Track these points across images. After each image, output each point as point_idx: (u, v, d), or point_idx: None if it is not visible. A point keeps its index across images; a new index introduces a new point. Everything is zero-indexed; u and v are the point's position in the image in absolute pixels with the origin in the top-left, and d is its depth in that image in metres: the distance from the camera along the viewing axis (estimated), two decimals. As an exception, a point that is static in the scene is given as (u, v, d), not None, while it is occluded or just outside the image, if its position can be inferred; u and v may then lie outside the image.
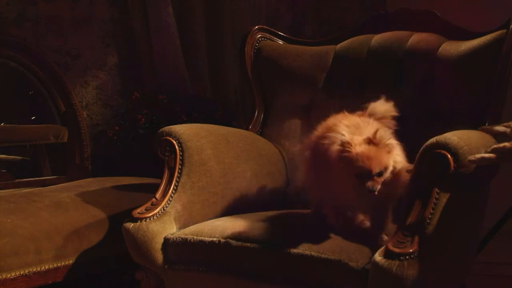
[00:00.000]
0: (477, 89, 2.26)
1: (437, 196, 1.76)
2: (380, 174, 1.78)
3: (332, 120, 1.96)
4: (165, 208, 2.12)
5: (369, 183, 1.77)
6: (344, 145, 1.79)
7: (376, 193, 1.78)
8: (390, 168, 1.80)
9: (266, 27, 2.81)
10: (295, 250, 1.89)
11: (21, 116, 3.24)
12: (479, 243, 2.43)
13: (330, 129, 1.89)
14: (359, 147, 1.78)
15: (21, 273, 2.14)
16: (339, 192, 1.89)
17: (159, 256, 2.08)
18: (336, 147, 1.81)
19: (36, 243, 2.19)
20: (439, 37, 2.45)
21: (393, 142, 1.82)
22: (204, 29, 3.61)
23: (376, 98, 1.98)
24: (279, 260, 1.91)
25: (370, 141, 1.78)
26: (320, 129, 1.98)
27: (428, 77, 2.39)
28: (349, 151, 1.78)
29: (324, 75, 2.64)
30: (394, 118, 1.95)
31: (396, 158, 1.82)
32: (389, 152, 1.80)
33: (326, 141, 1.87)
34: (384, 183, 1.79)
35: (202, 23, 3.60)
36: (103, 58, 3.52)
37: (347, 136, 1.80)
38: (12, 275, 2.12)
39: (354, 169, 1.78)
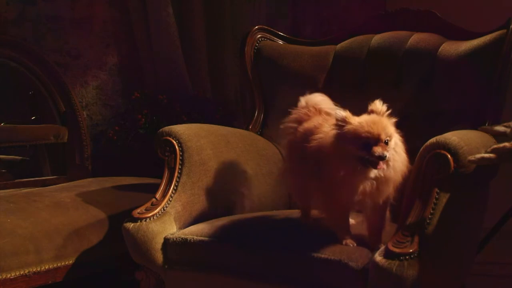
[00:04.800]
0: (477, 89, 2.25)
1: (437, 196, 1.76)
2: (386, 142, 1.72)
3: (310, 124, 1.97)
4: (165, 208, 2.12)
5: (378, 149, 1.70)
6: (345, 119, 1.74)
7: (385, 162, 1.71)
8: (394, 138, 1.75)
9: (266, 27, 2.81)
10: (295, 250, 1.89)
11: (21, 116, 3.23)
12: (479, 243, 2.43)
13: (314, 131, 1.90)
14: (361, 118, 1.75)
15: (21, 273, 2.14)
16: (336, 188, 1.80)
17: (159, 256, 2.08)
18: (334, 128, 1.77)
19: (36, 243, 2.19)
20: (439, 37, 2.45)
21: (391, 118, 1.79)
22: (204, 29, 3.61)
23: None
24: (279, 260, 1.91)
25: (371, 112, 1.76)
26: (298, 134, 1.98)
27: (428, 77, 2.39)
28: (351, 123, 1.73)
29: (324, 75, 2.64)
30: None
31: (396, 140, 1.77)
32: (390, 122, 1.76)
33: (315, 139, 1.86)
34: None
35: (202, 23, 3.60)
36: (103, 58, 3.52)
37: (344, 112, 1.76)
38: (12, 275, 2.12)
39: (360, 140, 1.71)
